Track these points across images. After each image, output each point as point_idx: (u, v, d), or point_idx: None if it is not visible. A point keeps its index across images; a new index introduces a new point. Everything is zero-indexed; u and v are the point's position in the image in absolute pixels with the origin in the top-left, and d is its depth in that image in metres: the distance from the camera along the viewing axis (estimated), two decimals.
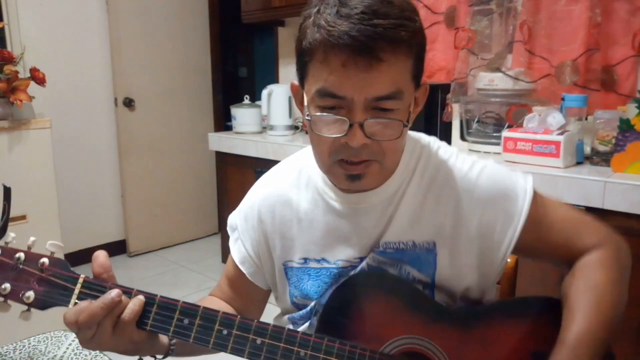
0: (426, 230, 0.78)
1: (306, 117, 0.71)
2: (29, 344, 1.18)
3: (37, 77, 2.20)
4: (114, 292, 0.65)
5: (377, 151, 0.70)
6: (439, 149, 0.82)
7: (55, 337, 1.21)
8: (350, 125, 0.66)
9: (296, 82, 0.76)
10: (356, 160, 0.70)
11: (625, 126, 1.50)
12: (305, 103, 0.71)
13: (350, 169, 0.71)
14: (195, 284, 2.98)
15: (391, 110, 0.67)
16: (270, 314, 0.94)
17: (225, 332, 0.68)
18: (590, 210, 1.45)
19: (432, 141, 0.83)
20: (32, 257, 0.67)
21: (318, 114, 0.69)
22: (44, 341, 1.20)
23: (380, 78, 0.65)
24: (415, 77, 0.70)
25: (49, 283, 0.67)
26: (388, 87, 0.66)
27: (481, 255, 0.78)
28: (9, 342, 1.19)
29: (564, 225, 0.79)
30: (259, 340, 0.68)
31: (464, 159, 0.81)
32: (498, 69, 1.93)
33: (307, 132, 2.77)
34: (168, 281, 3.03)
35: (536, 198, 0.79)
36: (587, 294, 0.73)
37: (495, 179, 0.78)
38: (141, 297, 0.67)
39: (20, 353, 1.15)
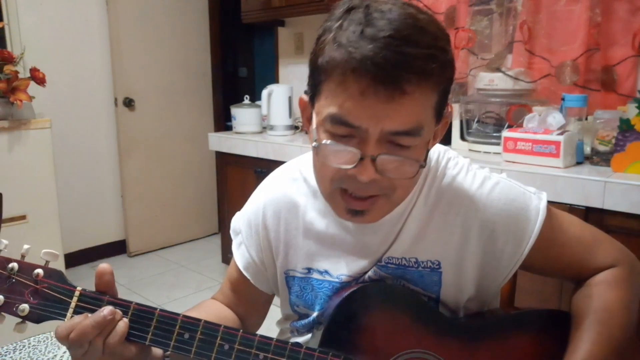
0: (431, 248, 0.75)
1: (313, 144, 0.64)
2: (29, 344, 1.18)
3: (37, 77, 2.20)
4: (106, 310, 0.62)
5: (387, 186, 0.64)
6: (448, 162, 0.77)
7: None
8: (361, 158, 0.61)
9: (305, 97, 0.70)
10: (363, 195, 0.65)
11: (625, 126, 1.50)
12: (314, 125, 0.66)
13: (353, 203, 0.66)
14: (195, 284, 2.98)
15: (407, 147, 0.62)
16: (274, 317, 0.94)
17: (226, 347, 0.66)
18: (590, 210, 1.45)
19: (442, 152, 0.78)
20: (26, 267, 0.65)
21: (328, 142, 0.62)
22: (44, 341, 1.20)
23: (400, 111, 0.59)
24: (438, 112, 0.64)
25: (44, 296, 0.64)
26: (408, 122, 0.60)
27: (484, 272, 0.77)
28: (9, 342, 1.19)
29: (576, 244, 0.77)
30: (261, 356, 0.66)
31: (474, 174, 0.76)
32: (498, 69, 1.93)
33: (306, 132, 2.78)
34: (168, 281, 3.03)
35: (549, 217, 0.75)
36: (597, 314, 0.71)
37: (507, 199, 0.75)
38: (126, 320, 0.64)
39: (20, 353, 1.15)
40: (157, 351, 0.70)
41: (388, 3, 0.61)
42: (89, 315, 0.62)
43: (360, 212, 0.67)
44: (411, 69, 0.57)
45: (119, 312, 0.64)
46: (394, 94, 0.57)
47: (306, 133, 2.69)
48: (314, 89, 0.65)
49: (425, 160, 0.65)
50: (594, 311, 0.72)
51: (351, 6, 0.62)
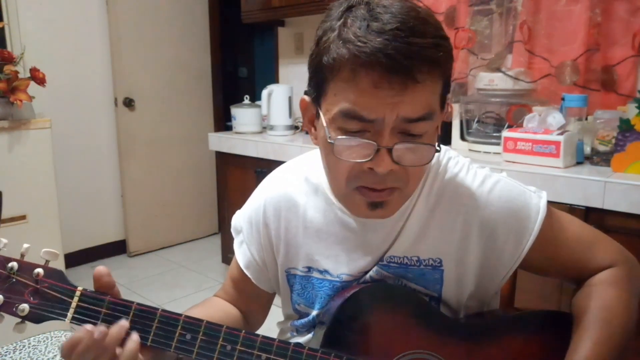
0: (432, 247, 0.75)
1: (328, 140, 0.63)
2: (29, 344, 1.18)
3: (37, 77, 2.20)
4: (114, 330, 0.62)
5: (402, 177, 0.65)
6: (449, 161, 0.78)
7: (55, 337, 1.21)
8: (377, 150, 0.62)
9: (307, 98, 0.71)
10: (380, 188, 0.65)
11: (625, 126, 1.49)
12: (324, 124, 0.65)
13: (372, 195, 0.66)
14: (195, 284, 2.98)
15: (420, 135, 0.63)
16: (274, 317, 0.94)
17: (229, 347, 0.66)
18: (590, 210, 1.45)
19: (443, 152, 0.79)
20: (26, 267, 0.64)
21: (343, 138, 0.62)
22: (44, 341, 1.20)
23: (413, 99, 0.60)
24: (442, 99, 0.66)
25: (44, 295, 0.64)
26: (421, 109, 0.61)
27: (485, 270, 0.77)
28: (9, 342, 1.19)
29: (575, 244, 0.77)
30: (263, 357, 0.66)
31: (475, 173, 0.77)
32: (498, 69, 1.92)
33: (306, 133, 2.78)
34: (168, 281, 3.03)
35: (549, 216, 0.76)
36: (597, 312, 0.72)
37: (508, 197, 0.75)
38: (136, 338, 0.64)
39: (20, 353, 1.15)
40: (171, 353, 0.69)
41: None
42: (91, 330, 0.61)
43: (380, 205, 0.67)
44: (421, 58, 0.59)
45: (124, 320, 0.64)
46: (407, 83, 0.59)
47: (306, 133, 2.71)
48: (319, 89, 0.66)
49: (439, 145, 0.66)
50: (594, 310, 0.72)
51: (351, 4, 0.63)
